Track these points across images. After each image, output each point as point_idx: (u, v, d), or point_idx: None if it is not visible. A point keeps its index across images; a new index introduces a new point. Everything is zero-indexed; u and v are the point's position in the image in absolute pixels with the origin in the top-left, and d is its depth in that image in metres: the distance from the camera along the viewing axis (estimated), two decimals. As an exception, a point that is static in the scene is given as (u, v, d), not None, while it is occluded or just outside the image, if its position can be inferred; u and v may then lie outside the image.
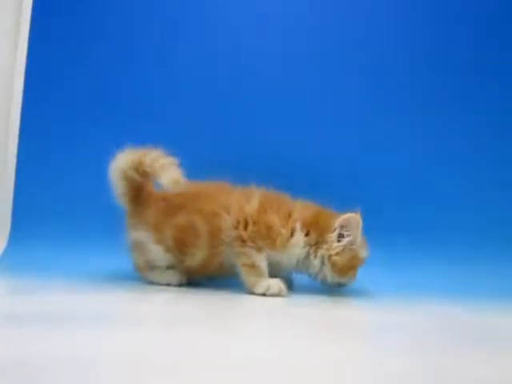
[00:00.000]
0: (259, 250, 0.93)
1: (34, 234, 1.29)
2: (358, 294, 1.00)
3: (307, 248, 0.95)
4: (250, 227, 0.93)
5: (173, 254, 0.99)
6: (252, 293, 0.92)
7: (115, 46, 1.38)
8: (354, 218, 0.94)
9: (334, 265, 0.94)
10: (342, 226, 0.94)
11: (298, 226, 0.95)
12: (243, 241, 0.93)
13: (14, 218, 1.33)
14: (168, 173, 0.94)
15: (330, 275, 0.95)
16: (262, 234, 0.93)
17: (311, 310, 0.84)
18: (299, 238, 0.94)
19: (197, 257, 0.97)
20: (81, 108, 1.37)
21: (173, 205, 1.00)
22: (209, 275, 1.01)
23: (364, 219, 0.94)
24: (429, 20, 1.32)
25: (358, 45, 1.33)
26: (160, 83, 1.36)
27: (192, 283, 1.01)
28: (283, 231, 0.93)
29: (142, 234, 1.01)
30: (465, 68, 1.31)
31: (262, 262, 0.93)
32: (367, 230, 0.96)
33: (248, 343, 0.59)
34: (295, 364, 0.50)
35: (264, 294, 0.91)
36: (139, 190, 1.03)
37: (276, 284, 0.91)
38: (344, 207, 0.96)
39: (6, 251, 1.26)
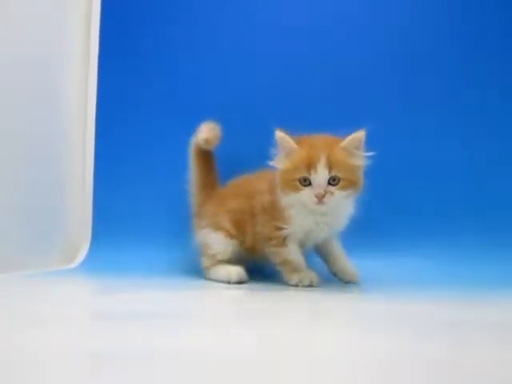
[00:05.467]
0: (283, 243, 1.03)
1: (112, 239, 1.40)
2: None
3: None
4: (267, 225, 1.04)
5: (234, 238, 1.11)
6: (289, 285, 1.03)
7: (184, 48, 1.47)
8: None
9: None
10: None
11: None
12: (270, 239, 1.04)
13: (94, 225, 1.45)
14: (204, 134, 1.15)
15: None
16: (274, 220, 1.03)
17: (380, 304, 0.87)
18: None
19: (250, 235, 1.09)
20: (154, 114, 1.46)
21: (225, 195, 1.15)
22: (263, 256, 1.09)
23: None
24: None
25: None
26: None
27: (252, 280, 1.08)
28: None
29: (204, 231, 1.14)
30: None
31: (290, 254, 1.03)
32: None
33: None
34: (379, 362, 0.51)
35: (297, 286, 1.01)
36: (208, 180, 1.20)
37: (306, 276, 1.01)
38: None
39: (87, 256, 1.39)
